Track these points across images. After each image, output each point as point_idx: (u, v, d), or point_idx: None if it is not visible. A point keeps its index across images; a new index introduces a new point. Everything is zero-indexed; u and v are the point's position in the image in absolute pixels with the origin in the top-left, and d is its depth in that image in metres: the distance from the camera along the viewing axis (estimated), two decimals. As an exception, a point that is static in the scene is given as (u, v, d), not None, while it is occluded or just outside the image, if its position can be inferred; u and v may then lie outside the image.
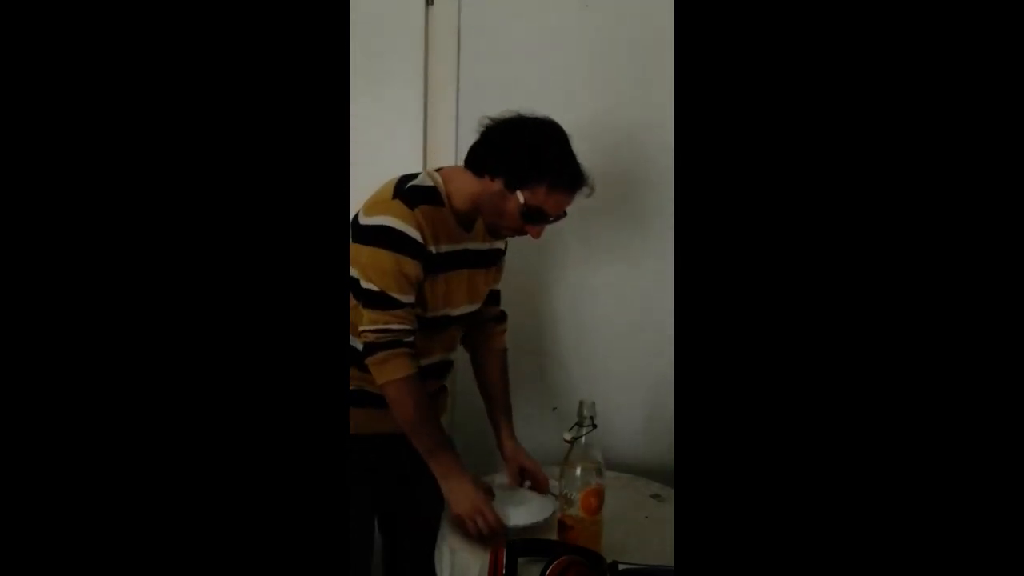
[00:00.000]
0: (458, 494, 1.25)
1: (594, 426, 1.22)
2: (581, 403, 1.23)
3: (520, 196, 1.21)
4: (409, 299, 1.23)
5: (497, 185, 1.23)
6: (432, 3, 1.72)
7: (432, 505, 1.50)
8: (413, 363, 1.23)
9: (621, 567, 1.12)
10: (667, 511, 1.41)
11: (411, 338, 1.24)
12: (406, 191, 1.24)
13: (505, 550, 1.11)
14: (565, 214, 1.27)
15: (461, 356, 1.53)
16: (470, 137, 1.66)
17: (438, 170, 1.33)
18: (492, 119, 1.25)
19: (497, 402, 1.49)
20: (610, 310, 1.84)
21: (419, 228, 1.22)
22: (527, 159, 1.21)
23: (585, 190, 1.26)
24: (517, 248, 1.48)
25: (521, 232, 1.28)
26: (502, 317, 1.53)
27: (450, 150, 1.74)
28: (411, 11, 1.71)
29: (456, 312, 1.35)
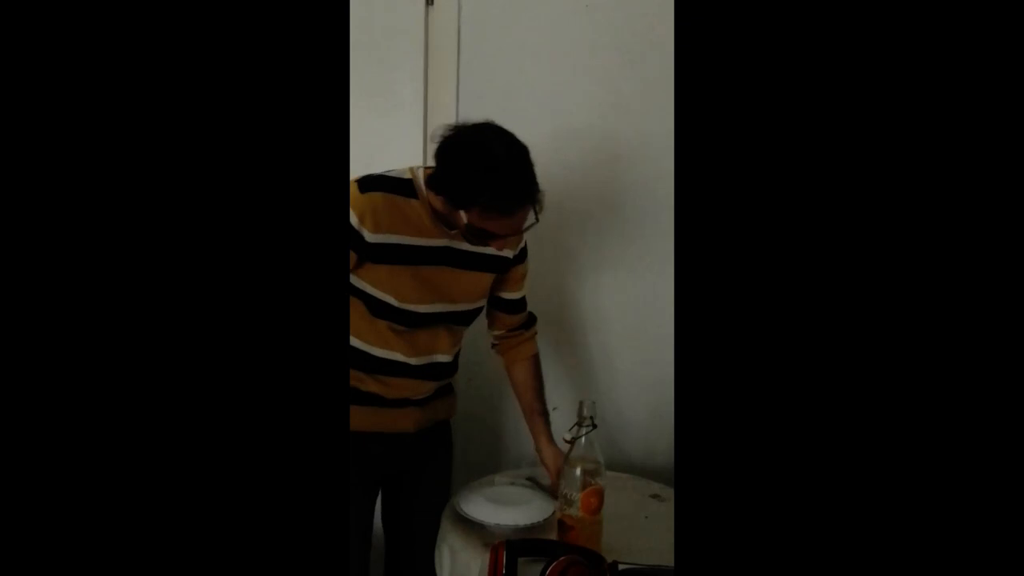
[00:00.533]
0: None
1: (594, 426, 1.22)
2: (581, 403, 1.23)
3: (462, 215, 1.20)
4: None
5: (443, 202, 1.22)
6: (432, 3, 1.72)
7: (432, 504, 1.51)
8: None
9: (621, 567, 1.12)
10: (667, 511, 1.41)
11: None
12: (370, 177, 1.25)
13: (505, 550, 1.11)
14: (537, 220, 1.23)
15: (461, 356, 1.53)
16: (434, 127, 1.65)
17: (428, 167, 1.29)
18: (443, 129, 1.21)
19: (530, 407, 1.49)
20: (610, 310, 1.84)
21: (360, 214, 1.21)
22: (456, 182, 1.18)
23: (533, 211, 1.21)
24: (517, 248, 1.48)
25: (483, 244, 1.27)
26: (529, 323, 1.52)
27: (450, 150, 1.74)
28: (411, 11, 1.71)
29: (422, 309, 1.31)
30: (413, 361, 1.35)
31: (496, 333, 1.50)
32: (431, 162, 1.38)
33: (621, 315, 1.84)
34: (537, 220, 1.24)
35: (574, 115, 1.76)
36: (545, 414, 1.48)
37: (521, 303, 1.49)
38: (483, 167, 1.16)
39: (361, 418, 1.30)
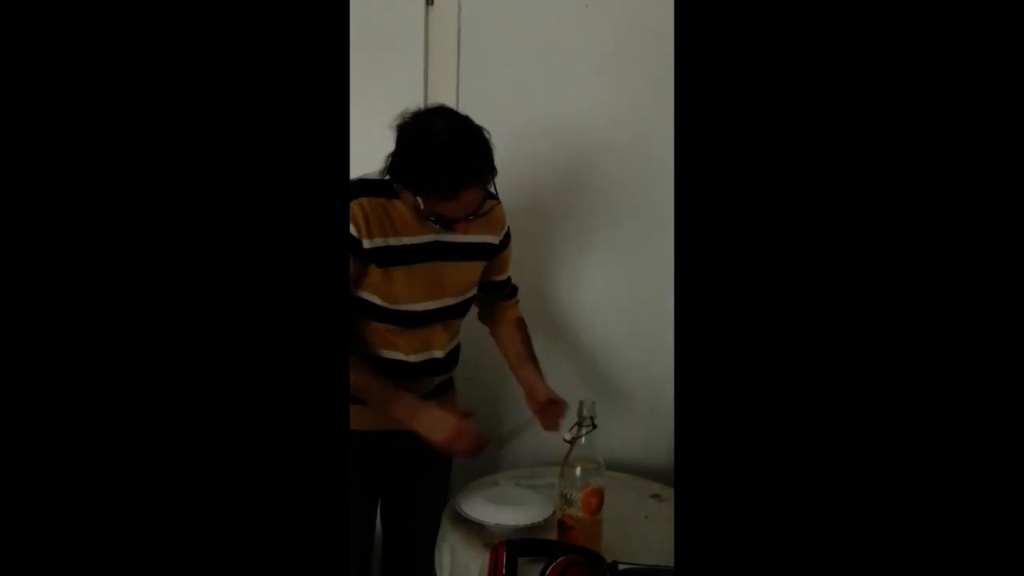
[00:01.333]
0: (430, 424, 1.24)
1: (594, 426, 1.22)
2: (581, 403, 1.23)
3: (420, 202, 1.19)
4: None
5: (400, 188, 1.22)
6: (432, 3, 1.72)
7: (431, 504, 1.51)
8: None
9: (621, 567, 1.12)
10: (667, 511, 1.41)
11: None
12: (352, 183, 1.23)
13: (505, 550, 1.11)
14: (497, 198, 1.26)
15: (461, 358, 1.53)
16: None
17: None
18: (397, 118, 1.21)
19: (521, 356, 1.46)
20: (610, 310, 1.84)
21: (355, 222, 1.21)
22: (401, 168, 1.19)
23: (488, 191, 1.21)
24: (516, 249, 1.48)
25: (450, 228, 1.24)
26: (512, 293, 1.53)
27: (450, 150, 1.74)
28: (411, 11, 1.71)
29: (418, 308, 1.31)
30: (412, 359, 1.35)
31: (483, 307, 1.53)
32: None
33: (621, 314, 1.84)
34: (497, 198, 1.26)
35: (574, 114, 1.76)
36: (535, 359, 1.46)
37: (507, 283, 1.51)
38: (422, 150, 1.16)
39: (362, 417, 1.30)
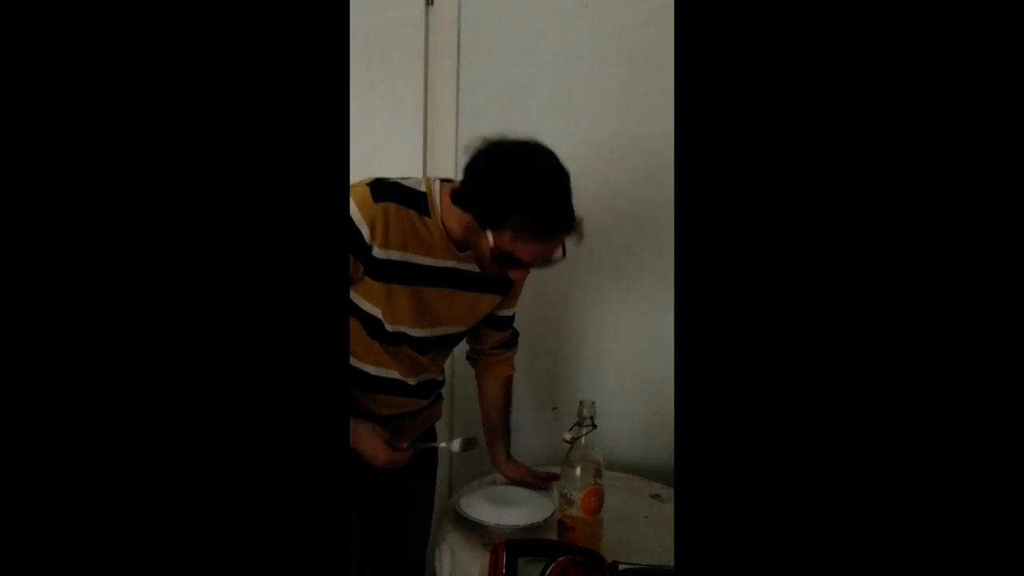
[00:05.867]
0: (369, 450, 1.21)
1: (594, 426, 1.22)
2: (581, 403, 1.23)
3: (489, 236, 1.10)
4: None
5: (470, 219, 1.12)
6: (432, 3, 1.72)
7: (428, 505, 1.52)
8: None
9: (621, 567, 1.12)
10: (667, 511, 1.41)
11: None
12: (385, 183, 1.16)
13: (505, 550, 1.11)
14: (564, 255, 1.16)
15: (460, 359, 1.53)
16: (470, 137, 1.64)
17: (446, 181, 1.23)
18: (479, 142, 1.12)
19: (496, 428, 1.49)
20: (610, 309, 1.84)
21: (372, 223, 1.13)
22: (492, 199, 1.08)
23: (574, 236, 1.13)
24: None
25: (503, 273, 1.18)
26: (512, 341, 1.47)
27: (450, 150, 1.74)
28: (411, 11, 1.71)
29: (416, 333, 1.24)
30: (411, 381, 1.30)
31: (477, 347, 1.46)
32: (433, 166, 1.37)
33: (621, 314, 1.84)
34: (564, 255, 1.16)
35: (574, 115, 1.76)
36: (507, 433, 1.49)
37: (512, 319, 1.45)
38: (523, 184, 1.07)
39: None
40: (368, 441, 1.21)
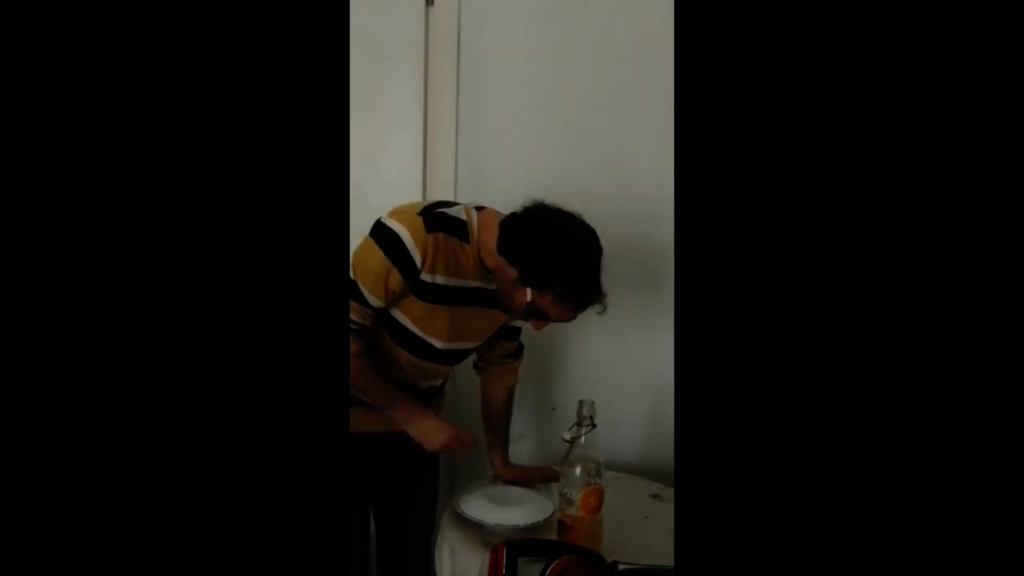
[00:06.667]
0: (426, 431, 1.30)
1: (594, 426, 1.22)
2: (581, 403, 1.23)
3: (528, 293, 1.22)
4: (376, 303, 1.25)
5: (513, 272, 1.23)
6: (432, 3, 1.72)
7: (424, 504, 1.52)
8: (356, 343, 1.27)
9: (621, 567, 1.12)
10: (667, 511, 1.41)
11: (357, 329, 1.28)
12: (434, 214, 1.25)
13: (505, 550, 1.11)
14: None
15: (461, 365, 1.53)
16: (470, 137, 1.65)
17: (480, 208, 1.32)
18: (532, 204, 1.24)
19: (496, 435, 1.55)
20: (610, 309, 1.83)
21: (424, 252, 1.23)
22: (541, 266, 1.20)
23: (597, 307, 1.25)
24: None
25: (527, 320, 1.30)
26: (519, 352, 1.55)
27: (450, 151, 1.74)
28: (411, 11, 1.71)
29: (444, 345, 1.35)
30: (423, 385, 1.40)
31: (486, 356, 1.53)
32: (432, 167, 1.40)
33: (621, 314, 1.83)
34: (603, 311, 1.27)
35: (573, 115, 1.76)
36: (506, 440, 1.56)
37: (518, 332, 1.53)
38: (570, 258, 1.19)
39: (356, 420, 1.30)
40: (424, 422, 1.31)
